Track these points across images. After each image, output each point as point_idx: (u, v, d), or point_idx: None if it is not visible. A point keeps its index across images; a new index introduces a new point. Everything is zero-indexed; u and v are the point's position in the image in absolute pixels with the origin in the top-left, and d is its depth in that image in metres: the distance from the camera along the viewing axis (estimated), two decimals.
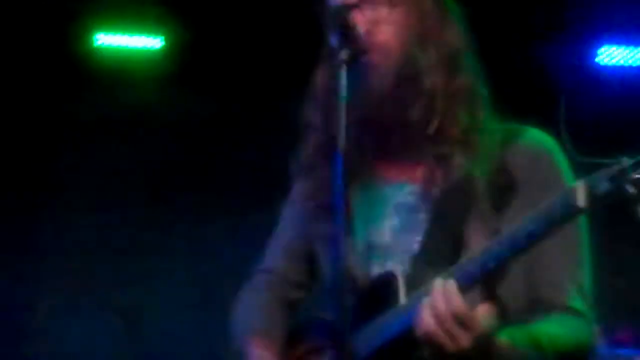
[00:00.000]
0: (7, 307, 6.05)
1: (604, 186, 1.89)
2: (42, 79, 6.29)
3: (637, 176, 1.84)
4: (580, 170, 2.12)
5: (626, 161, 1.86)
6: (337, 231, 2.12)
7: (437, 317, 2.00)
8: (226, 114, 6.13)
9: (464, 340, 2.00)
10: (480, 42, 2.44)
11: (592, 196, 1.91)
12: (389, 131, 2.38)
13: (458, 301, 2.00)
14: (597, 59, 6.43)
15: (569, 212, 1.97)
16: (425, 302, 2.04)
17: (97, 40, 6.32)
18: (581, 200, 1.92)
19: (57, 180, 6.29)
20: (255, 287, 2.72)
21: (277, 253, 2.70)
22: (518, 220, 2.18)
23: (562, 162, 2.36)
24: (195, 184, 6.18)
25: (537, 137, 2.40)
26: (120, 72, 6.34)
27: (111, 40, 6.36)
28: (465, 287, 2.06)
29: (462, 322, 2.00)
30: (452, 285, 2.03)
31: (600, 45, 6.41)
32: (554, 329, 2.20)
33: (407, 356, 2.21)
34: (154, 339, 5.95)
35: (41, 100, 6.33)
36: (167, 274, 6.14)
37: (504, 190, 2.32)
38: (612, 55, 6.42)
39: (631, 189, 1.85)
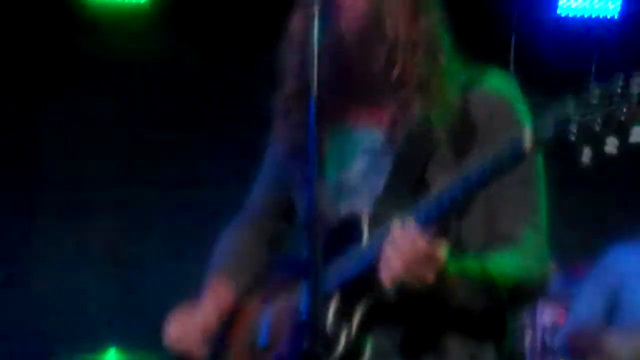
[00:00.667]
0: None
1: (548, 132, 1.91)
2: (41, 27, 6.27)
3: (579, 122, 1.85)
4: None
5: (569, 105, 1.87)
6: (310, 172, 2.11)
7: (402, 257, 2.01)
8: (205, 59, 6.15)
9: (428, 277, 2.02)
10: None
11: (537, 141, 1.93)
12: (357, 78, 2.37)
13: (421, 240, 2.01)
14: (559, 10, 6.36)
15: (516, 156, 1.99)
16: (388, 244, 2.05)
17: None
18: (527, 144, 1.94)
19: (52, 119, 6.28)
20: (238, 223, 2.74)
21: (260, 190, 2.72)
22: None
23: (520, 110, 2.34)
24: (184, 132, 6.20)
25: (497, 85, 2.38)
26: (111, 23, 6.29)
27: None
28: (424, 226, 2.06)
29: (426, 260, 2.01)
30: (412, 225, 2.03)
31: None
32: (505, 262, 2.21)
33: (368, 289, 2.22)
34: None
35: (40, 45, 6.30)
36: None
37: (464, 136, 2.31)
38: (572, 5, 6.35)
39: (573, 136, 1.86)
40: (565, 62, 5.65)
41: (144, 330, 4.87)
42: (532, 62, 5.23)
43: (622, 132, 1.82)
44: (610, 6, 6.37)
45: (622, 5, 6.36)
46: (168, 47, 6.33)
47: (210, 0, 6.23)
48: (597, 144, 1.84)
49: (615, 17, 6.38)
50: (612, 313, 3.80)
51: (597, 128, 1.83)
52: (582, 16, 6.39)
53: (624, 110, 1.80)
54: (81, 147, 6.21)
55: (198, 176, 6.01)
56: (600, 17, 6.40)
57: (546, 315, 5.34)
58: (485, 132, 2.30)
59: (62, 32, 6.29)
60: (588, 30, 6.35)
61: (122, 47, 6.31)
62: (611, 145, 1.83)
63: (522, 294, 2.31)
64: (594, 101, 1.84)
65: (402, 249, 2.02)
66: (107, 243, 6.10)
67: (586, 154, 1.85)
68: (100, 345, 4.93)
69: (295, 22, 2.42)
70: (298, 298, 2.36)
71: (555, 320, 5.30)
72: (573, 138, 1.86)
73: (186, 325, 2.51)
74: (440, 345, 2.26)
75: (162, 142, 6.23)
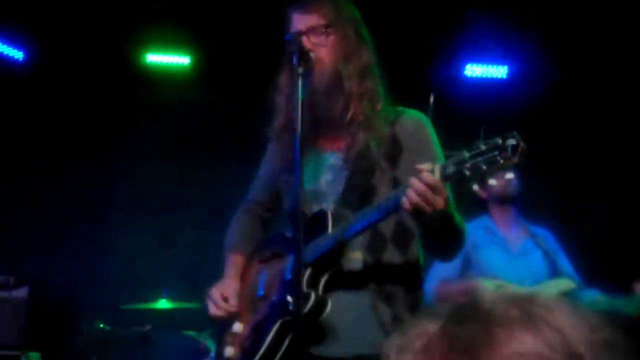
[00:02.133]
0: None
1: (450, 168, 1.92)
2: (112, 81, 6.25)
3: (472, 164, 1.87)
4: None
5: (465, 153, 1.89)
6: (296, 182, 2.12)
7: (418, 191, 1.96)
8: (230, 104, 6.09)
9: (440, 202, 1.98)
10: (385, 58, 2.44)
11: (443, 174, 1.94)
12: (324, 118, 2.37)
13: (431, 177, 1.96)
14: (464, 72, 6.35)
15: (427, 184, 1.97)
16: (407, 188, 1.99)
17: (147, 57, 6.30)
18: (437, 176, 1.95)
19: (121, 147, 6.27)
20: (242, 211, 2.75)
21: (257, 189, 2.72)
22: (408, 170, 2.20)
23: (432, 131, 2.39)
24: (212, 151, 6.20)
25: (416, 114, 2.43)
26: (162, 78, 6.29)
27: (156, 58, 6.31)
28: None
29: (436, 190, 1.97)
30: (425, 174, 1.97)
31: (466, 63, 6.35)
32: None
33: (330, 264, 2.25)
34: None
35: (113, 95, 6.28)
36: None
37: (395, 152, 2.34)
38: (474, 70, 6.36)
39: (467, 172, 1.88)
40: (468, 110, 5.59)
41: (185, 286, 4.93)
42: (446, 112, 5.25)
43: (500, 172, 1.89)
44: (500, 71, 6.38)
45: (508, 71, 6.35)
46: (203, 97, 6.31)
47: (234, 64, 6.20)
48: (483, 179, 1.88)
49: (504, 77, 6.36)
50: (465, 269, 3.83)
51: (484, 168, 1.85)
52: (482, 77, 6.35)
53: (502, 158, 1.83)
54: (139, 167, 6.18)
55: (224, 186, 6.02)
56: (494, 77, 6.37)
57: None
58: (411, 146, 2.35)
59: (126, 84, 6.28)
60: (485, 87, 6.32)
61: (170, 97, 6.32)
62: (492, 181, 1.89)
63: (461, 237, 2.27)
64: (483, 148, 1.86)
65: (417, 186, 1.97)
66: (159, 225, 6.08)
67: (475, 185, 1.90)
68: (154, 296, 4.90)
69: (282, 78, 2.44)
70: (285, 264, 2.38)
71: None
72: (468, 174, 1.88)
73: (222, 291, 2.52)
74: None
75: (196, 166, 6.23)
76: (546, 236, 4.06)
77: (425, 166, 1.99)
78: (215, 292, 2.51)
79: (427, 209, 1.97)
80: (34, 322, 5.00)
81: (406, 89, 2.42)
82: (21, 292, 4.94)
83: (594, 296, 3.81)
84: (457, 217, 2.17)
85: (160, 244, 6.00)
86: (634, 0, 5.37)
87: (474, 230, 3.76)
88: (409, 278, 2.33)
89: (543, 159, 5.34)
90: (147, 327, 4.70)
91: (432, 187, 1.95)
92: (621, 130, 6.10)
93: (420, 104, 2.53)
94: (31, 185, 5.98)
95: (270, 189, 2.63)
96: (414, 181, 1.97)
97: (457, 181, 1.93)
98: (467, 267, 3.84)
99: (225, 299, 2.48)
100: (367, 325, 2.23)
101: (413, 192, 1.97)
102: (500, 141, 1.83)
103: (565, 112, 6.19)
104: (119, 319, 4.95)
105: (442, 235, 2.17)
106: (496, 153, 1.83)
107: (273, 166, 2.58)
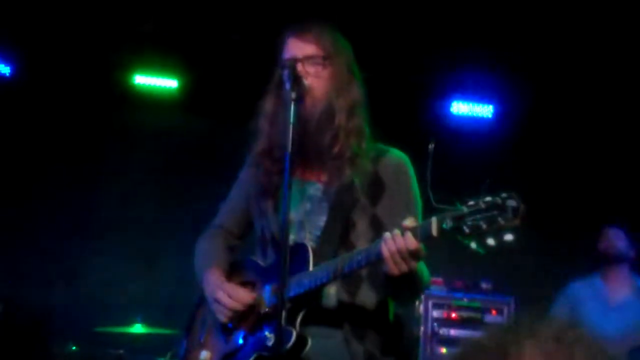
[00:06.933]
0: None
1: (449, 224, 1.90)
2: (99, 104, 6.24)
3: (472, 222, 1.85)
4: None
5: (464, 209, 1.86)
6: (284, 209, 2.09)
7: (398, 250, 1.98)
8: (216, 130, 6.11)
9: (414, 266, 2.02)
10: (373, 98, 2.43)
11: (441, 228, 1.92)
12: (309, 147, 2.32)
13: (414, 242, 1.98)
14: (451, 110, 6.37)
15: (424, 236, 1.98)
16: (389, 249, 2.00)
17: (135, 79, 6.29)
18: (434, 230, 1.93)
19: (105, 169, 6.23)
20: (210, 235, 2.63)
21: (226, 214, 2.63)
22: (387, 209, 2.24)
23: (412, 172, 2.38)
24: (195, 176, 6.17)
25: (398, 155, 2.41)
26: (149, 101, 6.28)
27: (144, 80, 6.30)
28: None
29: (414, 254, 1.99)
30: (408, 236, 1.99)
31: (453, 100, 6.37)
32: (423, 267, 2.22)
33: (313, 300, 2.22)
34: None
35: (97, 116, 6.26)
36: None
37: (376, 189, 2.33)
38: (461, 107, 6.39)
39: (467, 230, 1.86)
40: (456, 148, 5.63)
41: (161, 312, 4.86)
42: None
43: (499, 234, 1.84)
44: (486, 109, 6.42)
45: (494, 109, 6.40)
46: (190, 121, 6.31)
47: (222, 89, 6.21)
48: (482, 238, 1.85)
49: (490, 116, 6.40)
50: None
51: (484, 227, 1.83)
52: (468, 115, 6.38)
53: (501, 219, 1.81)
54: (121, 190, 6.13)
55: (206, 212, 5.98)
56: (480, 116, 6.40)
57: (435, 312, 5.36)
58: (392, 186, 2.34)
59: (113, 105, 6.27)
60: (472, 124, 6.35)
61: (156, 120, 6.30)
62: (491, 241, 1.84)
63: (422, 291, 2.29)
64: (483, 206, 1.84)
65: (398, 244, 1.99)
66: (139, 250, 6.02)
67: (474, 244, 1.87)
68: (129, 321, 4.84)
69: (268, 103, 2.42)
70: (260, 294, 2.34)
71: (441, 316, 5.33)
72: (467, 231, 1.86)
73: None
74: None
75: (181, 185, 6.20)
76: None
77: (410, 223, 1.99)
78: (221, 295, 2.37)
79: (404, 269, 1.99)
80: (5, 341, 4.90)
81: (393, 125, 2.42)
82: None
83: None
84: (421, 268, 2.16)
85: (138, 269, 5.93)
86: (619, 42, 5.45)
87: (582, 286, 4.35)
88: (382, 317, 2.32)
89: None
90: (121, 351, 4.62)
91: (413, 253, 1.98)
92: (609, 169, 6.13)
93: (406, 140, 2.52)
94: (9, 204, 5.91)
95: (241, 216, 2.56)
96: (398, 244, 1.98)
97: (452, 236, 1.90)
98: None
99: (231, 296, 2.35)
100: None
101: (396, 256, 1.98)
102: (500, 201, 1.82)
103: (549, 150, 6.24)
104: (92, 341, 4.87)
105: (405, 286, 2.15)
106: (496, 213, 1.81)
107: (246, 191, 2.52)
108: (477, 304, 5.34)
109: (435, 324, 5.30)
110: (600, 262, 4.46)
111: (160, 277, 5.88)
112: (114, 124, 6.27)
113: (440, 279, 5.42)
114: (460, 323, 5.30)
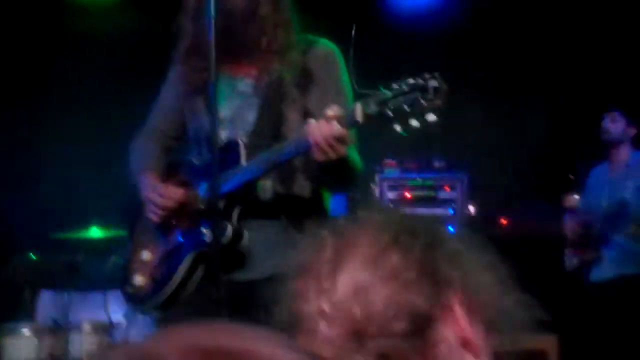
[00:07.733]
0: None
1: (372, 108, 1.93)
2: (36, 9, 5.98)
3: (394, 105, 1.88)
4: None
5: (386, 93, 1.89)
6: (211, 106, 2.10)
7: (324, 137, 2.00)
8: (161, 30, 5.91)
9: (343, 151, 2.03)
10: None
11: (364, 113, 1.95)
12: (237, 43, 2.31)
13: (339, 128, 1.99)
14: None
15: (350, 123, 2.00)
16: (311, 131, 2.02)
17: None
18: (359, 115, 1.96)
19: (52, 75, 6.06)
20: (143, 137, 2.61)
21: (159, 116, 2.59)
22: (318, 100, 2.24)
23: (342, 61, 2.36)
24: (146, 78, 6.01)
25: (328, 45, 2.40)
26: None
27: None
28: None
29: (343, 140, 2.01)
30: (333, 122, 2.00)
31: None
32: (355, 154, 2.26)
33: (249, 195, 2.25)
34: None
35: (38, 23, 6.01)
36: None
37: (306, 81, 2.33)
38: None
39: (390, 113, 1.89)
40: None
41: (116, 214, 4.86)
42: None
43: (422, 114, 1.87)
44: None
45: None
46: (135, 20, 6.08)
47: None
48: (405, 119, 1.89)
49: None
50: None
51: (407, 109, 1.86)
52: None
53: (423, 100, 1.84)
54: (71, 96, 5.99)
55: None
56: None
57: (390, 193, 5.44)
58: (321, 77, 2.34)
59: (55, 12, 6.02)
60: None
61: (98, 23, 6.08)
62: (414, 122, 1.88)
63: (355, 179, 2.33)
64: (405, 89, 1.87)
65: (326, 135, 1.99)
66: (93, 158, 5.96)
67: (398, 127, 1.90)
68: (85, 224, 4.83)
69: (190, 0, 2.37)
70: (195, 192, 2.36)
71: (396, 197, 5.42)
72: (390, 114, 1.89)
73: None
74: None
75: (128, 92, 6.04)
76: None
77: (333, 112, 1.99)
78: (152, 195, 2.39)
79: (332, 156, 2.00)
80: None
81: (323, 10, 2.37)
82: None
83: None
84: (352, 156, 2.20)
85: (91, 173, 5.89)
86: None
87: (596, 171, 4.78)
88: (318, 207, 2.37)
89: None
90: (79, 256, 4.66)
91: (339, 139, 1.98)
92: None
93: (336, 25, 2.47)
94: None
95: (174, 115, 2.53)
96: (322, 130, 1.99)
97: (377, 120, 1.93)
98: None
99: (162, 195, 2.38)
100: (279, 249, 2.24)
101: (323, 142, 1.99)
102: (422, 82, 1.85)
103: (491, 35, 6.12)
104: (50, 248, 4.88)
105: (338, 173, 2.18)
106: (418, 94, 1.84)
107: (177, 91, 2.49)
108: (430, 182, 5.40)
109: (391, 205, 5.37)
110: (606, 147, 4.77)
111: (115, 180, 5.85)
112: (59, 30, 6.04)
113: (393, 161, 5.46)
114: (416, 202, 5.36)
